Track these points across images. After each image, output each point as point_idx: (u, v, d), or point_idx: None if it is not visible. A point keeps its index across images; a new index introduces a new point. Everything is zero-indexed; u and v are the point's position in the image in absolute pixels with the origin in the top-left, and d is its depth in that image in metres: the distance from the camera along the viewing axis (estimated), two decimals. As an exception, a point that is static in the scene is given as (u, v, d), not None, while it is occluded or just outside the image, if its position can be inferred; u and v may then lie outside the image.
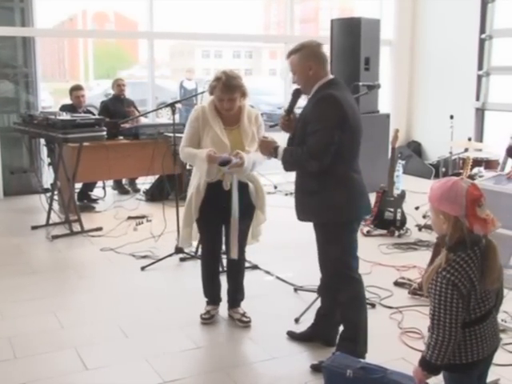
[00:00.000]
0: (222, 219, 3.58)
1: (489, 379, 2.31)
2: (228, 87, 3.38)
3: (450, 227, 2.05)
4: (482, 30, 8.06)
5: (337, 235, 2.99)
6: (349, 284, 3.06)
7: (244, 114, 3.52)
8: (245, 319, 3.69)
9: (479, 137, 8.24)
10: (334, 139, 2.84)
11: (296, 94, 3.11)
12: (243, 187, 3.55)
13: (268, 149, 3.11)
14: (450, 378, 2.19)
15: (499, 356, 2.24)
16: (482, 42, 8.10)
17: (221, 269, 4.00)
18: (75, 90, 6.80)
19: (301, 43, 3.04)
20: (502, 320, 3.48)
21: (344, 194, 2.95)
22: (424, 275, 2.14)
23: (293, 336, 3.48)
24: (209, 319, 3.73)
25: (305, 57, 2.97)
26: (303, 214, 3.09)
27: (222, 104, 3.44)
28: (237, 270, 3.75)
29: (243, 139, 3.48)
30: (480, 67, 8.17)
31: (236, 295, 3.78)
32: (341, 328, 3.22)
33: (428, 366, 2.09)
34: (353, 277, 3.07)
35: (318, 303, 3.48)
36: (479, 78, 8.20)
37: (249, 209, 3.61)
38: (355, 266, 3.09)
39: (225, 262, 3.89)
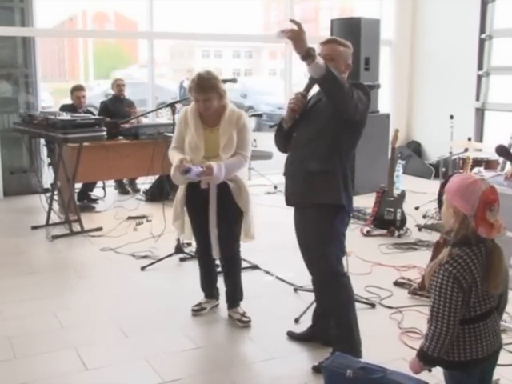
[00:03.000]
0: (205, 218, 3.57)
1: (489, 379, 2.31)
2: (201, 87, 3.39)
3: (457, 223, 2.06)
4: (482, 30, 8.07)
5: (332, 220, 2.99)
6: (342, 282, 3.07)
7: (225, 115, 3.49)
8: (244, 319, 3.69)
9: (479, 137, 8.25)
10: (367, 106, 2.91)
11: (313, 81, 2.96)
12: (222, 187, 3.51)
13: (301, 40, 2.64)
14: (449, 376, 2.19)
15: (499, 356, 2.24)
16: (481, 42, 8.11)
17: (220, 269, 4.00)
18: (76, 90, 6.81)
19: (345, 41, 3.08)
20: (502, 320, 3.47)
21: (347, 186, 3.03)
22: (426, 269, 2.14)
23: (293, 336, 3.48)
24: (198, 311, 3.76)
25: (350, 55, 3.06)
26: (302, 196, 3.03)
27: (198, 105, 3.47)
28: (230, 269, 3.76)
29: (220, 142, 3.46)
30: (480, 67, 8.17)
31: (234, 295, 3.78)
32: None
33: (424, 357, 2.10)
34: (344, 274, 3.09)
35: (318, 303, 3.49)
36: (479, 77, 8.21)
37: (231, 210, 3.57)
38: (341, 262, 3.11)
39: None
